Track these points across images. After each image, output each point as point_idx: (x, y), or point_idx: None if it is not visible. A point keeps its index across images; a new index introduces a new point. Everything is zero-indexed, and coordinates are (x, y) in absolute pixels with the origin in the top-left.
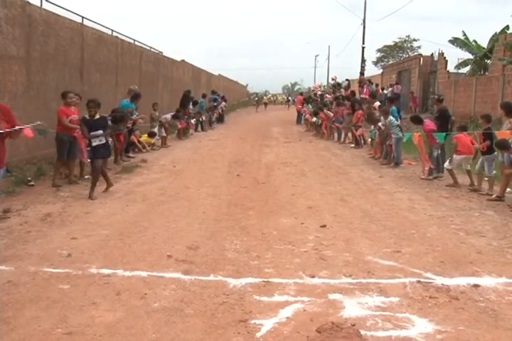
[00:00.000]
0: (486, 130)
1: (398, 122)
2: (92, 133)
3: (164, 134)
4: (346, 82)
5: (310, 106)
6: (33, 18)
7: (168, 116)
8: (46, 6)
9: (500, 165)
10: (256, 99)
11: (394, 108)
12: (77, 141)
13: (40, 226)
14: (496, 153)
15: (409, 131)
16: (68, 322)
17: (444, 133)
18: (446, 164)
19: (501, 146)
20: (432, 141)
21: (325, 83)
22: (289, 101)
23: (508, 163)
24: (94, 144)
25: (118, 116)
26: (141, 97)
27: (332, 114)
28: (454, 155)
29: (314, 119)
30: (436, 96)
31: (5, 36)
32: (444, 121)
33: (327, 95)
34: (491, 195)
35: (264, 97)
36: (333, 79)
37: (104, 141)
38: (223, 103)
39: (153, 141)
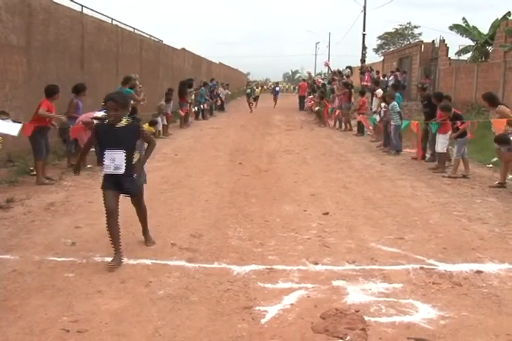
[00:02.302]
0: (455, 116)
1: (399, 109)
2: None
3: (165, 122)
4: (348, 70)
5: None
6: (33, 7)
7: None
8: None
9: (498, 152)
10: (248, 91)
11: (398, 94)
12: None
13: (43, 215)
14: (467, 136)
15: (410, 119)
16: (74, 310)
17: (436, 124)
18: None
19: (501, 141)
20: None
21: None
22: (276, 92)
23: (506, 150)
24: (107, 171)
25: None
26: (131, 80)
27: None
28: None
29: (317, 108)
30: (419, 85)
31: (5, 25)
32: (432, 107)
33: (319, 80)
34: (454, 177)
35: (256, 90)
36: (326, 65)
37: (123, 169)
38: (226, 91)
39: (153, 129)
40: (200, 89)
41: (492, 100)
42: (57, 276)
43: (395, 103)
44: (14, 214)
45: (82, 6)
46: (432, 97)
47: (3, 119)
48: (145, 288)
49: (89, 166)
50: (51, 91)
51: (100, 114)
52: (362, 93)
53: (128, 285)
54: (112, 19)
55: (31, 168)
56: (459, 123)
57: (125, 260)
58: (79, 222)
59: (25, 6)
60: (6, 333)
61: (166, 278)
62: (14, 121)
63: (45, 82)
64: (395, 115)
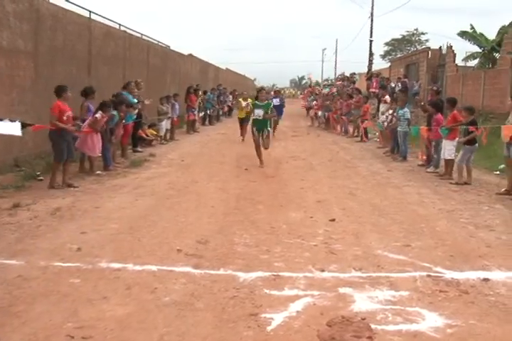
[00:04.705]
0: (470, 121)
1: (409, 116)
2: None
3: (168, 127)
4: (357, 76)
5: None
6: (41, 12)
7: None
8: (54, 0)
9: (506, 159)
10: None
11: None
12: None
13: (49, 220)
14: (476, 145)
15: (418, 125)
16: (79, 316)
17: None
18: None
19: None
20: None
21: (332, 77)
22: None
23: None
24: None
25: (117, 100)
26: (128, 85)
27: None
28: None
29: (320, 113)
30: (435, 88)
31: (13, 31)
32: (430, 115)
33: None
34: (458, 183)
35: (243, 102)
36: (309, 78)
37: None
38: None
39: (155, 132)
40: (207, 95)
41: None
42: (63, 282)
43: (406, 110)
44: (20, 219)
45: (90, 11)
46: (446, 102)
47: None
48: (150, 295)
49: (97, 172)
50: (59, 90)
51: (98, 115)
52: (366, 99)
53: (133, 291)
54: (120, 25)
55: (38, 173)
56: (472, 128)
57: (131, 266)
58: (85, 227)
59: (34, 11)
60: (11, 339)
61: (172, 285)
62: (11, 121)
63: (52, 87)
64: (403, 121)
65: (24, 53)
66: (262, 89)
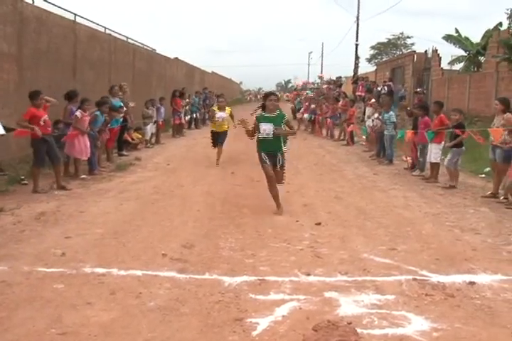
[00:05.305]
0: (457, 124)
1: (395, 119)
2: None
3: (153, 131)
4: (344, 79)
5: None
6: (25, 15)
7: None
8: (38, 3)
9: (492, 162)
10: (213, 108)
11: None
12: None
13: (33, 225)
14: (463, 147)
15: (404, 128)
16: (63, 322)
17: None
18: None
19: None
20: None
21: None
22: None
23: (500, 160)
24: None
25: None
26: (114, 88)
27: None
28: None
29: (306, 116)
30: (419, 90)
31: None
32: (416, 118)
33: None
34: (453, 186)
35: (217, 113)
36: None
37: None
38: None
39: (140, 135)
40: (192, 99)
41: (508, 105)
42: (46, 287)
43: (392, 113)
44: (4, 224)
45: (75, 14)
46: (433, 105)
47: None
48: (135, 300)
49: (82, 176)
50: (31, 95)
51: (77, 113)
52: (352, 103)
53: (118, 296)
54: (105, 28)
55: (22, 177)
56: (457, 131)
57: (115, 271)
58: (69, 232)
59: (17, 14)
60: None
61: (157, 290)
62: None
63: None
64: (389, 125)
65: (7, 56)
66: (270, 93)
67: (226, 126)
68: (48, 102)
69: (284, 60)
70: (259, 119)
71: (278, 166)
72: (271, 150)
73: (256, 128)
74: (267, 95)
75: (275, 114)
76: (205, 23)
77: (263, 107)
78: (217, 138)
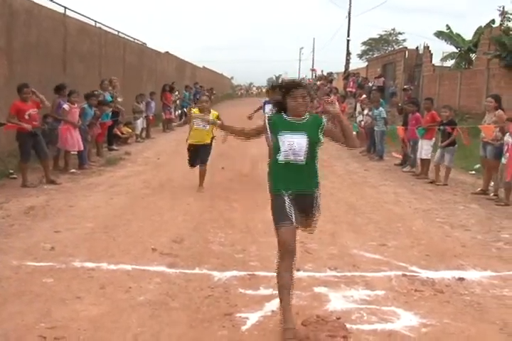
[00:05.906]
0: (448, 121)
1: (385, 115)
2: None
3: (144, 125)
4: (335, 75)
5: None
6: (14, 8)
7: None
8: None
9: (482, 159)
10: (192, 110)
11: (381, 100)
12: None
13: (23, 219)
14: (456, 145)
15: (394, 124)
16: (52, 317)
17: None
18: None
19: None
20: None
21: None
22: None
23: (491, 157)
24: None
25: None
26: (104, 83)
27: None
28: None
29: None
30: (407, 87)
31: None
32: (406, 114)
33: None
34: (446, 184)
35: (195, 115)
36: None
37: None
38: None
39: (130, 130)
40: (183, 94)
41: (500, 102)
42: (35, 282)
43: (382, 109)
44: None
45: (65, 7)
46: (425, 101)
47: None
48: (125, 294)
49: (72, 170)
50: (17, 89)
51: (65, 105)
52: (343, 99)
53: (107, 291)
54: (96, 21)
55: (11, 171)
56: (449, 128)
57: (105, 265)
58: (58, 226)
59: (6, 6)
60: None
61: (146, 284)
62: None
63: None
64: (380, 121)
65: None
66: (295, 84)
67: (209, 137)
68: (37, 97)
69: (275, 56)
70: (276, 126)
71: (312, 214)
72: (302, 188)
73: (257, 133)
74: (288, 87)
75: (304, 120)
76: (197, 18)
77: (279, 106)
78: (196, 155)
